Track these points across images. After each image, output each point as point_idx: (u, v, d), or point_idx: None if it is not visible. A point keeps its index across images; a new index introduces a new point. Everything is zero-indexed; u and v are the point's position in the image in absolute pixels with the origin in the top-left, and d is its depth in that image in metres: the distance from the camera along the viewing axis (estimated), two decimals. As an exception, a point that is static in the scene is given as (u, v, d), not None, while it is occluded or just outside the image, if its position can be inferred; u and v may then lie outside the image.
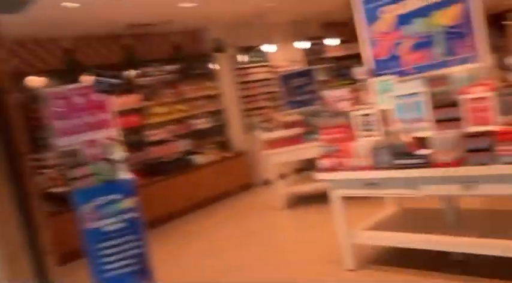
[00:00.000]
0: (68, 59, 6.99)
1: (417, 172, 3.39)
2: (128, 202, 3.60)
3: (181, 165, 7.76)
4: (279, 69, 9.32)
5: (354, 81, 11.06)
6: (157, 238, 6.28)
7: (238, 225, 6.40)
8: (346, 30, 12.61)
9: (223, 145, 8.81)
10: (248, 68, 9.25)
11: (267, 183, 8.40)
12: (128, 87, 7.54)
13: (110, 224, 3.54)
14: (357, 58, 12.58)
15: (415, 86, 3.52)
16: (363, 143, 3.71)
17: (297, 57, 10.50)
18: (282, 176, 7.54)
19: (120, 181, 3.60)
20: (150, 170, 7.71)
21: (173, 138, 7.97)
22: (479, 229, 3.55)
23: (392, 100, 3.64)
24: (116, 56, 7.71)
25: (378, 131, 3.77)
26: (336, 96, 4.02)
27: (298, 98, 6.95)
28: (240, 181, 8.51)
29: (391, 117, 3.68)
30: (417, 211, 4.43)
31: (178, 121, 8.13)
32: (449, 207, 3.96)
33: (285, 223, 6.25)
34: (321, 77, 9.51)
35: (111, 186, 3.57)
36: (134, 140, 7.31)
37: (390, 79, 3.75)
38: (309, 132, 6.40)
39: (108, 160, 3.56)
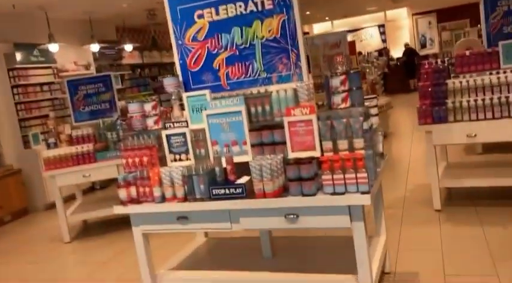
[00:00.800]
0: None
1: (235, 204, 2.92)
2: None
3: None
4: (66, 73, 8.07)
5: (153, 92, 10.48)
6: None
7: (12, 265, 5.04)
8: (145, 36, 11.95)
9: None
10: (27, 68, 7.73)
11: (50, 207, 7.09)
12: None
13: None
14: (157, 67, 12.02)
15: (232, 103, 3.07)
16: (172, 169, 3.09)
17: (88, 61, 9.35)
18: (70, 200, 6.40)
19: None
20: None
21: None
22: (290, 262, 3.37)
23: (207, 119, 3.11)
24: None
25: (189, 154, 3.20)
26: (139, 109, 3.30)
27: (90, 108, 5.94)
28: (13, 206, 6.95)
29: (205, 138, 3.15)
30: (229, 240, 4.01)
31: None
32: (264, 236, 3.64)
33: (72, 261, 5.17)
34: (118, 85, 8.61)
35: None
36: None
37: (204, 94, 3.22)
38: (103, 149, 5.48)
39: None
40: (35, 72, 7.85)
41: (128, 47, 10.27)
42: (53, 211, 7.10)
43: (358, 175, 2.65)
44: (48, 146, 5.53)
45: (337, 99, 2.84)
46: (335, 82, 2.83)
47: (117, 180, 3.21)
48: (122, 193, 3.20)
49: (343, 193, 2.68)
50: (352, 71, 2.86)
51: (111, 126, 5.63)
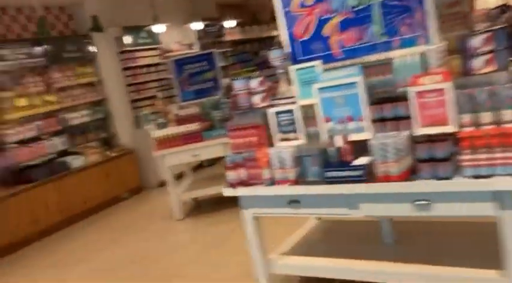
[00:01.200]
0: None
1: (354, 188, 2.60)
2: None
3: (53, 169, 6.34)
4: (170, 53, 8.19)
5: (257, 67, 10.35)
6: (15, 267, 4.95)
7: (125, 243, 5.25)
8: (244, 11, 11.82)
9: (108, 143, 7.50)
10: (135, 51, 7.98)
11: (162, 185, 7.34)
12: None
13: None
14: (257, 42, 11.86)
15: (347, 74, 2.71)
16: (282, 150, 2.84)
17: (191, 40, 9.44)
18: (180, 178, 6.53)
19: None
20: (12, 178, 6.21)
21: (42, 137, 6.51)
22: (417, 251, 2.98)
23: (318, 93, 2.80)
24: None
25: (300, 133, 2.92)
26: (245, 86, 3.09)
27: (195, 87, 5.92)
28: (128, 185, 7.29)
29: (317, 115, 2.85)
30: (344, 224, 3.71)
31: (47, 115, 6.65)
32: (384, 220, 3.28)
33: (184, 238, 5.25)
34: (221, 62, 8.57)
35: None
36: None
37: (314, 66, 2.90)
38: (209, 128, 5.43)
39: None
40: (142, 54, 8.08)
41: (229, 23, 10.20)
42: (165, 189, 7.38)
43: (508, 154, 2.18)
44: (158, 126, 5.61)
45: (478, 62, 2.35)
46: (475, 42, 2.34)
47: (225, 160, 3.06)
48: (231, 175, 3.04)
49: (488, 177, 2.22)
50: (497, 27, 2.34)
51: (216, 104, 5.56)
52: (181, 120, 5.56)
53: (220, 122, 5.35)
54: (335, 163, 2.71)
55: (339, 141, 2.72)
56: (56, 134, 6.71)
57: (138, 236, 5.42)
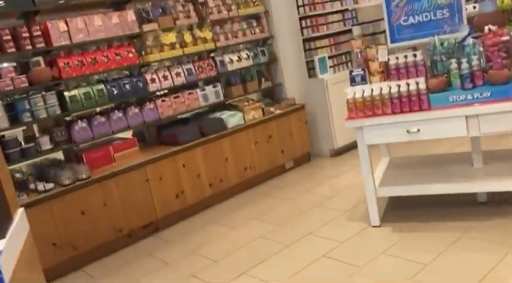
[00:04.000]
0: None
1: None
2: None
3: (207, 127, 4.86)
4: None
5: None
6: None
7: (292, 255, 3.55)
8: None
9: (271, 96, 5.79)
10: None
11: (337, 154, 5.53)
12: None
13: None
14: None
15: None
16: None
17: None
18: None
19: None
20: (157, 137, 4.93)
21: (192, 85, 5.03)
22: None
23: None
24: None
25: None
26: None
27: (416, 19, 3.68)
28: (294, 152, 5.57)
29: None
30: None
31: (198, 57, 5.12)
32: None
33: (401, 266, 3.34)
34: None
35: None
36: (128, 90, 4.47)
37: None
38: (441, 87, 3.27)
39: None
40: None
41: None
42: (342, 160, 5.52)
43: None
44: (353, 81, 3.62)
45: None
46: None
47: None
48: None
49: None
50: None
51: (455, 48, 3.32)
52: (391, 72, 3.49)
53: (464, 79, 3.15)
54: None
55: None
56: (209, 81, 5.19)
57: (306, 225, 3.72)
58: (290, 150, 5.49)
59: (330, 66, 5.71)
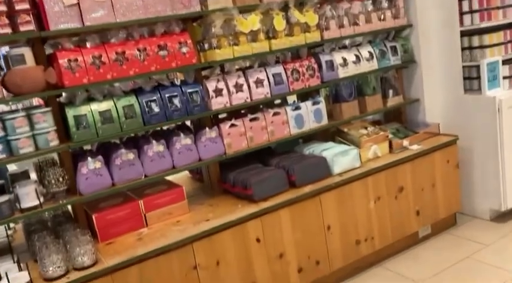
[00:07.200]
0: None
1: None
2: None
3: (308, 170, 2.93)
4: None
5: None
6: None
7: None
8: None
9: (399, 119, 3.73)
10: None
11: (502, 217, 3.37)
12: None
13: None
14: None
15: None
16: None
17: None
18: None
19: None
20: (219, 181, 3.09)
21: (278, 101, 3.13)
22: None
23: None
24: None
25: None
26: None
27: None
28: (439, 212, 3.47)
29: None
30: None
31: (293, 55, 3.19)
32: None
33: None
34: None
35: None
36: (177, 107, 2.66)
37: None
38: None
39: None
40: None
41: None
42: (509, 226, 3.31)
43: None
44: None
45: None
46: None
47: None
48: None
49: None
50: None
51: None
52: None
53: None
54: None
55: None
56: (307, 94, 3.25)
57: None
58: (430, 210, 3.41)
59: (505, 77, 3.52)
